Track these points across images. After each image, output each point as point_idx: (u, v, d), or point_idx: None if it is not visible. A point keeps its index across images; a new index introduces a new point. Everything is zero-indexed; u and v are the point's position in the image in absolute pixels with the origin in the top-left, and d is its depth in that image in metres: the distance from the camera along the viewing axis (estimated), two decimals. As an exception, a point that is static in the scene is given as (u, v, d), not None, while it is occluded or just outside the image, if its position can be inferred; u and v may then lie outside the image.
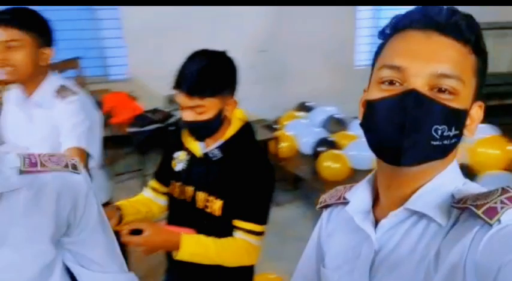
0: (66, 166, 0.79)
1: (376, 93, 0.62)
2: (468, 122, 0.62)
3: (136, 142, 3.28)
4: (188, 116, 1.21)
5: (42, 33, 1.46)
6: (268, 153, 3.13)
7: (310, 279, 0.84)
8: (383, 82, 0.61)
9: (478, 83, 0.62)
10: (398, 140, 0.58)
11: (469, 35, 0.59)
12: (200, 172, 1.31)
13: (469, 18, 0.60)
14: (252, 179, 1.26)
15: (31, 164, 0.75)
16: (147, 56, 4.06)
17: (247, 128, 1.33)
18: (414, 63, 0.58)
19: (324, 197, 0.85)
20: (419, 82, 0.58)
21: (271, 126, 3.79)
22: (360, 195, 0.72)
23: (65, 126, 1.42)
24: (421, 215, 0.62)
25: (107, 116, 3.31)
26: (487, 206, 0.55)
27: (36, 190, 0.74)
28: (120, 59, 4.18)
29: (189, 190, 1.31)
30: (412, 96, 0.57)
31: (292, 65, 4.53)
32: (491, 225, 0.53)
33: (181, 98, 1.20)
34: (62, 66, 3.35)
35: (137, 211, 1.38)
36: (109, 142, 3.61)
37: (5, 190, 0.70)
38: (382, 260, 0.65)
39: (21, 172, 0.73)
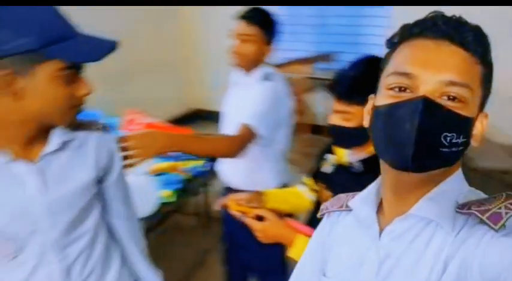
0: (99, 128, 1.03)
1: (385, 100, 0.62)
2: (474, 131, 0.62)
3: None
4: (334, 119, 1.19)
5: (271, 33, 1.70)
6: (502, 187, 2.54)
7: None
8: (392, 88, 0.62)
9: (484, 93, 0.63)
10: (407, 146, 0.58)
11: (476, 46, 0.60)
12: (339, 180, 1.26)
13: (477, 29, 0.61)
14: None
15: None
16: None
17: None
18: (425, 70, 0.59)
19: (326, 205, 0.85)
20: (429, 89, 0.59)
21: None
22: (364, 202, 0.73)
23: (248, 103, 1.63)
24: (428, 222, 0.62)
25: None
26: (492, 211, 0.55)
27: (80, 143, 1.00)
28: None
29: (327, 194, 1.29)
30: (422, 103, 0.57)
31: None
32: (496, 230, 0.53)
33: (333, 101, 1.18)
34: (315, 59, 3.69)
35: (285, 200, 1.46)
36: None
37: (65, 139, 0.95)
38: (388, 268, 0.65)
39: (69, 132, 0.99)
